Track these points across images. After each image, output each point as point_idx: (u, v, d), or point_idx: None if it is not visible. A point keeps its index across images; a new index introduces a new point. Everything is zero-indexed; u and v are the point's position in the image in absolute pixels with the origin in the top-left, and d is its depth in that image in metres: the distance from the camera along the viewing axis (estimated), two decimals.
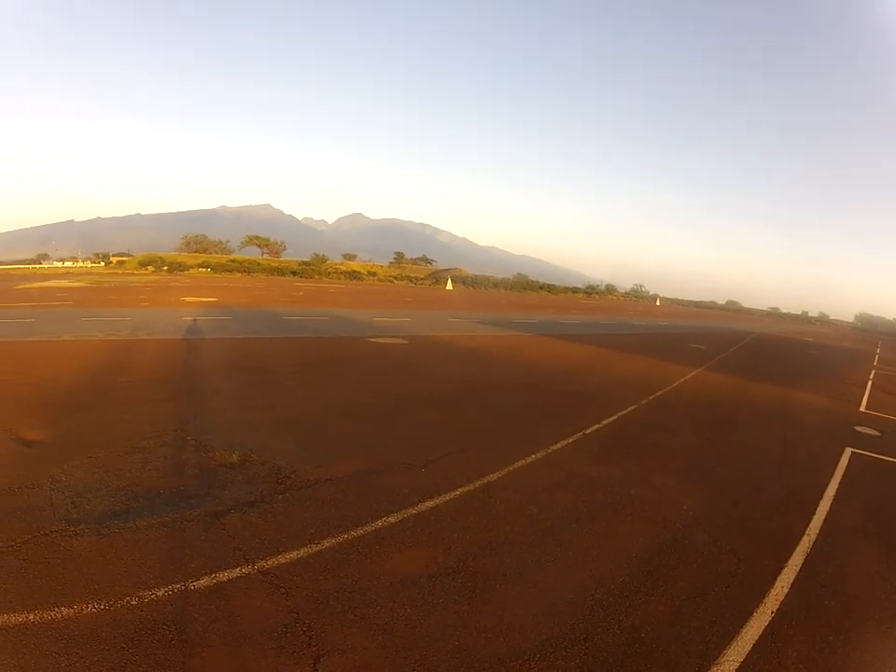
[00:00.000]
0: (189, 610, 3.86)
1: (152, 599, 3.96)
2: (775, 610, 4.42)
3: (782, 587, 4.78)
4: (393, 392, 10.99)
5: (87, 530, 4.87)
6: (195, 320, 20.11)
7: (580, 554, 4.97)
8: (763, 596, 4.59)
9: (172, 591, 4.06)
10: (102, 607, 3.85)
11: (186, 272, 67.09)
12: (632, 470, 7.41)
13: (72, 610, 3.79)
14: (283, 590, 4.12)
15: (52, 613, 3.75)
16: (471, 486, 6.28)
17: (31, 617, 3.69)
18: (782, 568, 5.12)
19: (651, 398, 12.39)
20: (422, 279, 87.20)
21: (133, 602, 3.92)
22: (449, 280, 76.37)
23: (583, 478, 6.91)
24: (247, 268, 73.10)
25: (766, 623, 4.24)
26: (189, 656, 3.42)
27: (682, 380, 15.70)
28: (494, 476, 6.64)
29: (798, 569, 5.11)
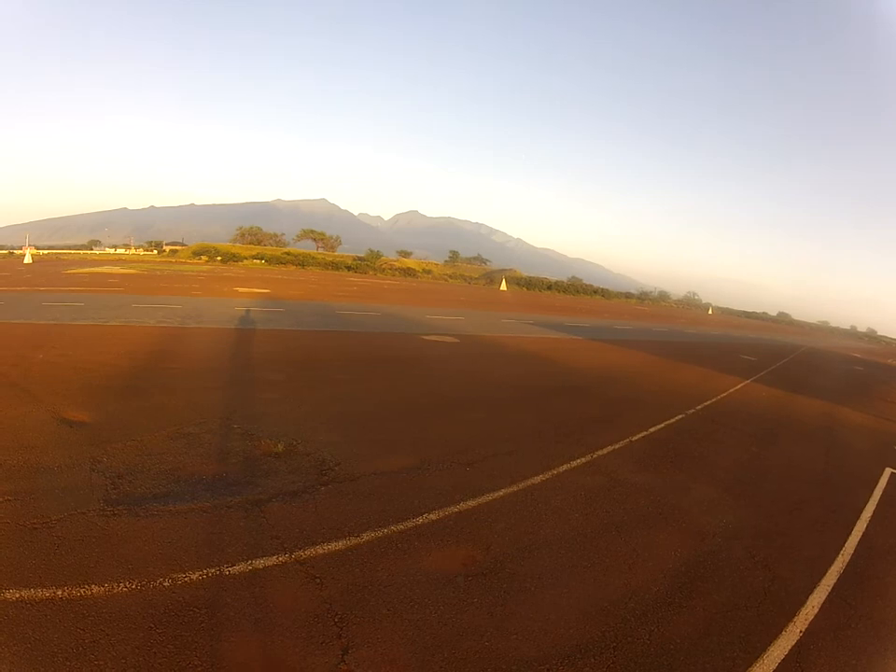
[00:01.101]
0: (222, 595, 3.96)
1: (186, 582, 4.07)
2: (804, 630, 4.46)
3: (813, 607, 4.83)
4: (442, 390, 11.20)
5: (125, 511, 5.04)
6: (247, 310, 20.71)
7: (617, 562, 5.05)
8: (794, 615, 4.65)
9: (206, 575, 4.18)
10: (133, 586, 3.95)
11: (240, 263, 68.97)
12: (675, 480, 7.54)
13: (102, 588, 3.90)
14: (318, 580, 4.22)
15: (81, 590, 3.86)
16: (515, 488, 6.40)
17: (59, 593, 3.82)
18: (814, 587, 5.18)
19: (698, 407, 12.47)
20: (476, 279, 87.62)
21: (166, 584, 4.02)
22: (503, 281, 76.78)
23: (626, 485, 7.02)
24: (302, 261, 74.58)
25: (794, 643, 4.28)
26: (217, 640, 3.53)
27: (731, 391, 15.76)
28: (538, 479, 6.77)
29: (830, 589, 5.16)
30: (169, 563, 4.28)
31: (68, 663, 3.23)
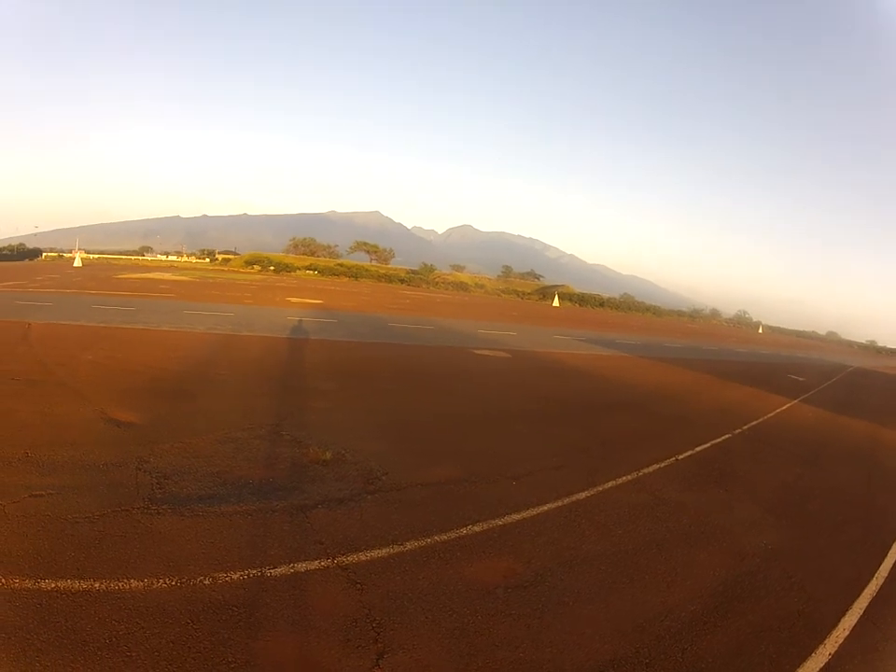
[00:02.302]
0: (262, 596, 4.04)
1: (226, 581, 4.16)
2: (832, 652, 4.44)
3: (844, 629, 4.81)
4: (491, 404, 11.42)
5: (169, 510, 5.19)
6: (299, 320, 21.15)
7: (656, 580, 5.10)
8: (825, 637, 4.64)
9: (247, 575, 4.27)
10: (173, 583, 4.05)
11: (292, 273, 70.39)
12: (718, 499, 7.60)
13: (141, 583, 4.00)
14: (359, 585, 4.31)
15: (120, 584, 3.97)
16: (559, 503, 6.49)
17: (96, 585, 3.93)
18: (846, 610, 5.15)
19: (745, 427, 12.48)
20: (529, 294, 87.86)
21: (207, 582, 4.11)
22: (556, 296, 77.03)
23: (670, 503, 7.09)
24: (355, 273, 75.69)
25: (822, 665, 4.28)
26: (253, 638, 3.59)
27: (778, 411, 15.70)
28: (583, 495, 6.86)
29: (861, 613, 5.13)
30: (211, 562, 4.38)
31: (100, 652, 3.31)
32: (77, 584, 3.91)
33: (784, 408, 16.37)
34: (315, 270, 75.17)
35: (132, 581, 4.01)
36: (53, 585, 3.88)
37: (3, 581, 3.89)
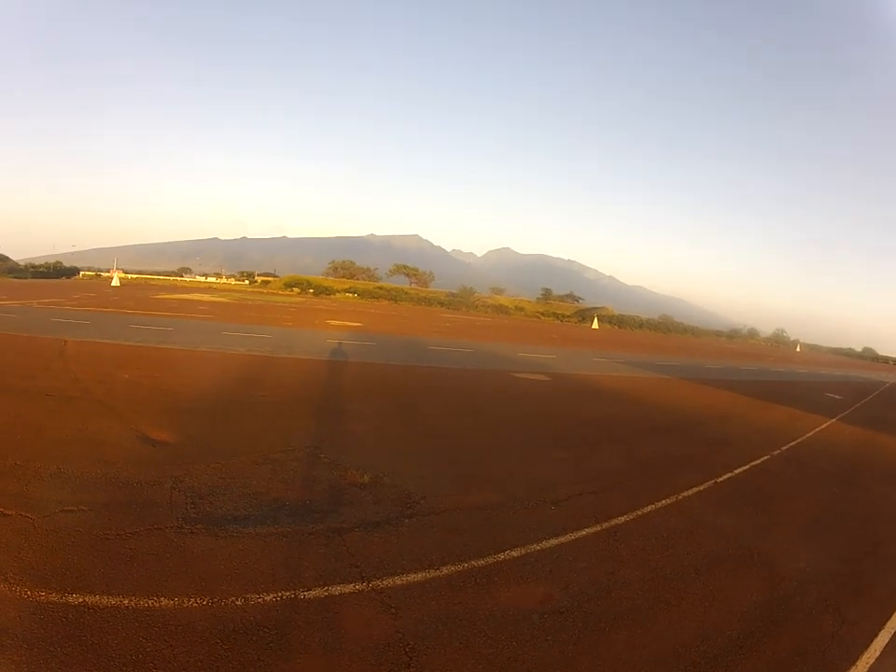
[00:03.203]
0: (295, 618, 4.03)
1: (259, 603, 4.16)
2: None
3: (875, 650, 4.83)
4: (531, 428, 11.43)
5: (203, 530, 5.23)
6: (339, 343, 21.47)
7: (693, 605, 5.10)
8: (856, 660, 4.65)
9: (280, 597, 4.27)
10: (204, 602, 4.07)
11: (332, 295, 71.28)
12: (757, 522, 7.58)
13: (171, 602, 4.02)
14: (393, 610, 4.32)
15: (150, 601, 4.00)
16: (598, 528, 6.49)
17: (125, 601, 3.96)
18: (879, 631, 5.16)
19: (784, 448, 12.48)
20: (568, 316, 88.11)
21: (238, 602, 4.12)
22: (595, 319, 77.20)
23: (709, 527, 7.11)
24: (394, 296, 76.38)
25: None
26: (283, 660, 3.59)
27: (816, 430, 15.66)
28: (622, 519, 6.87)
29: (892, 634, 5.14)
30: (244, 583, 4.40)
31: (125, 668, 3.33)
32: (105, 600, 3.95)
33: (822, 427, 16.35)
34: (355, 293, 76.05)
35: (162, 599, 4.04)
36: (81, 600, 3.92)
37: (29, 593, 3.95)
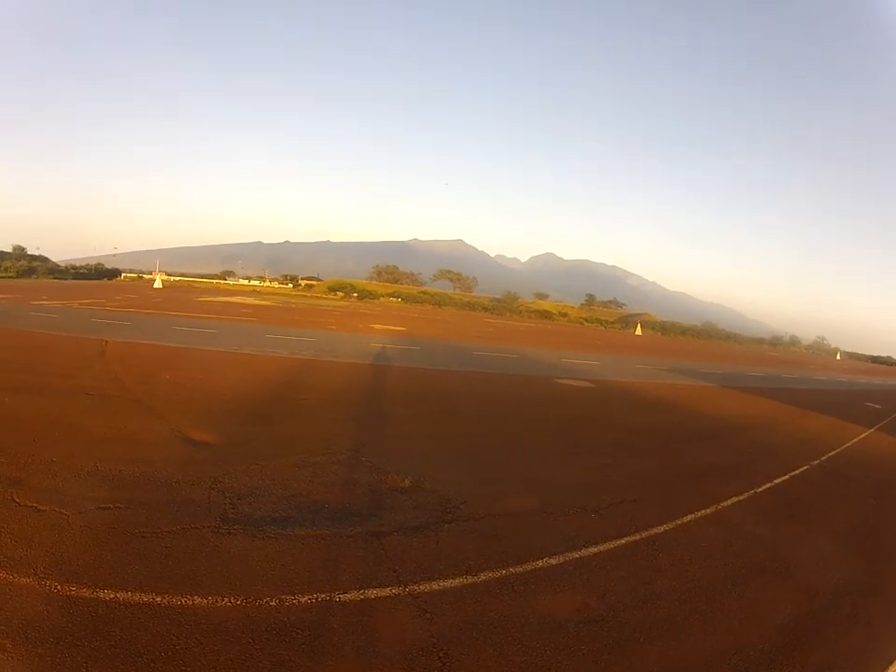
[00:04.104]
0: (329, 620, 4.05)
1: (293, 604, 4.19)
2: None
3: None
4: (574, 434, 11.44)
5: (240, 530, 5.29)
6: (382, 347, 21.64)
7: (728, 617, 5.10)
8: None
9: (315, 599, 4.29)
10: (238, 602, 4.10)
11: (376, 300, 71.82)
12: (794, 533, 7.57)
13: (205, 601, 4.07)
14: (429, 615, 4.34)
15: (182, 600, 4.05)
16: (637, 537, 6.49)
17: (157, 599, 4.02)
18: None
19: (822, 458, 12.36)
20: (611, 322, 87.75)
21: (273, 603, 4.15)
22: (638, 325, 76.75)
23: (747, 538, 7.08)
24: (438, 301, 76.62)
25: None
26: (315, 662, 3.61)
27: (855, 440, 15.46)
28: (661, 528, 6.86)
29: None
30: (279, 584, 4.43)
31: (153, 664, 3.37)
32: (137, 597, 4.01)
33: (861, 437, 16.15)
34: (399, 297, 76.49)
35: (195, 597, 4.08)
36: (112, 596, 3.98)
37: (58, 587, 4.03)
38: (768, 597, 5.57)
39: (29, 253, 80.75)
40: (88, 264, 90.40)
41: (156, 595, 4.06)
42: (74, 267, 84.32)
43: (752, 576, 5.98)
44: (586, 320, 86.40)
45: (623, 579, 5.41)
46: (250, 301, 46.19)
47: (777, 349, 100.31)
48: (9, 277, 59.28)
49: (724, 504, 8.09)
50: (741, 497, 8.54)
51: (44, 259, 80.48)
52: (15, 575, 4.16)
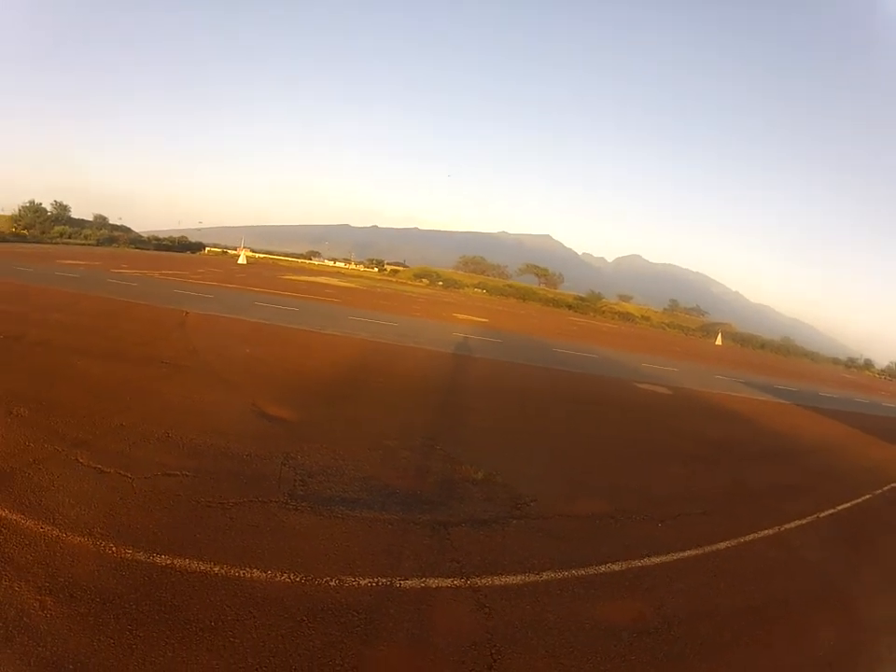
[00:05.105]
0: (386, 605, 4.06)
1: (353, 586, 4.21)
2: None
3: None
4: (647, 440, 11.29)
5: (308, 508, 5.35)
6: (464, 337, 21.64)
7: (775, 640, 5.02)
8: None
9: (376, 583, 4.31)
10: (297, 579, 4.14)
11: (460, 290, 71.99)
12: (850, 562, 7.38)
13: (263, 574, 4.11)
14: (487, 609, 4.35)
15: (241, 571, 4.10)
16: (699, 551, 6.43)
17: (215, 568, 4.09)
18: None
19: (885, 488, 11.84)
20: (692, 330, 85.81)
21: (332, 583, 4.18)
22: (719, 335, 75.04)
23: (804, 563, 6.99)
24: (523, 295, 76.33)
25: None
26: (366, 645, 3.62)
27: None
28: (723, 545, 6.76)
29: None
30: (341, 565, 4.46)
31: (201, 633, 3.42)
32: (194, 565, 4.08)
33: None
34: (484, 288, 76.45)
35: (254, 570, 4.13)
36: (168, 562, 4.06)
37: (113, 549, 4.12)
38: (814, 624, 5.51)
39: (111, 223, 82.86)
40: (171, 237, 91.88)
41: (214, 564, 4.12)
42: (156, 238, 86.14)
43: (803, 602, 5.92)
44: (668, 325, 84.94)
45: (682, 592, 5.39)
46: (334, 282, 46.93)
47: (851, 371, 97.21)
48: (89, 245, 61.02)
49: (787, 526, 7.95)
50: (803, 521, 8.38)
51: (126, 229, 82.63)
52: (68, 533, 4.27)
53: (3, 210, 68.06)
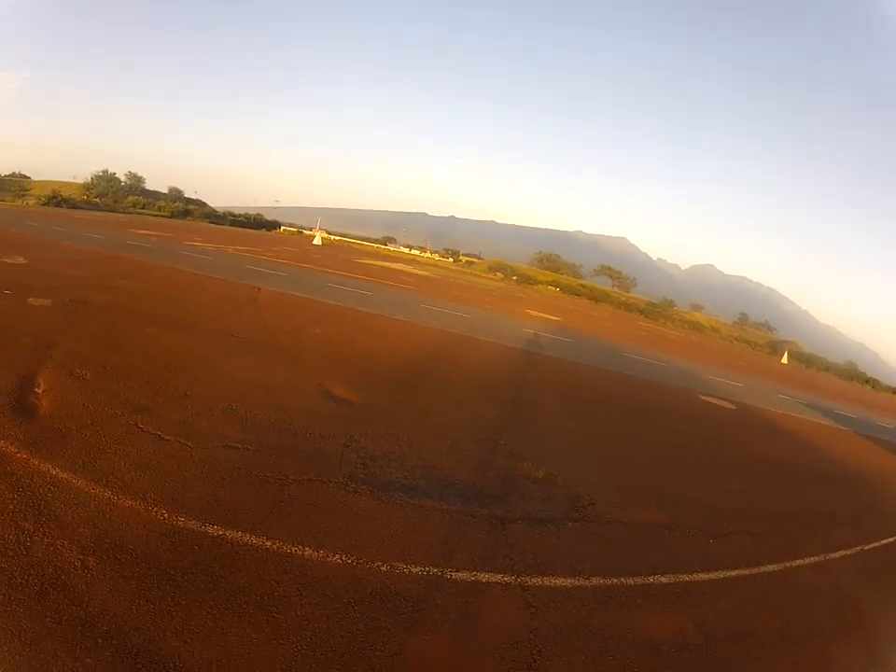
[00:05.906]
0: (435, 596, 4.09)
1: (404, 573, 4.24)
2: None
3: None
4: (709, 454, 11.14)
5: (367, 491, 5.41)
6: (535, 334, 21.48)
7: (807, 669, 5.04)
8: None
9: (427, 572, 4.34)
10: (349, 561, 4.18)
11: (534, 286, 71.54)
12: (889, 600, 7.24)
13: (315, 553, 4.16)
14: (533, 609, 4.35)
15: (293, 548, 4.16)
16: (747, 571, 6.35)
17: (267, 543, 4.16)
18: None
19: None
20: (760, 345, 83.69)
21: (384, 568, 4.22)
22: (786, 353, 72.96)
23: (844, 594, 6.86)
24: (596, 296, 75.41)
25: None
26: (410, 633, 3.65)
27: None
28: (771, 567, 6.68)
29: None
30: (394, 551, 4.50)
31: (245, 607, 3.47)
32: (246, 538, 4.15)
33: None
34: (557, 287, 75.81)
35: (306, 549, 4.19)
36: (220, 533, 4.14)
37: (164, 515, 4.22)
38: (842, 656, 5.40)
39: (186, 196, 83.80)
40: (247, 213, 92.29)
41: (267, 539, 4.19)
42: (232, 214, 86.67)
43: (839, 633, 5.80)
44: (736, 339, 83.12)
45: (724, 611, 5.35)
46: (409, 269, 47.12)
47: None
48: (163, 216, 61.88)
49: (833, 556, 7.78)
50: (849, 552, 8.18)
51: (201, 203, 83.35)
52: (120, 496, 4.38)
53: (76, 178, 69.52)
